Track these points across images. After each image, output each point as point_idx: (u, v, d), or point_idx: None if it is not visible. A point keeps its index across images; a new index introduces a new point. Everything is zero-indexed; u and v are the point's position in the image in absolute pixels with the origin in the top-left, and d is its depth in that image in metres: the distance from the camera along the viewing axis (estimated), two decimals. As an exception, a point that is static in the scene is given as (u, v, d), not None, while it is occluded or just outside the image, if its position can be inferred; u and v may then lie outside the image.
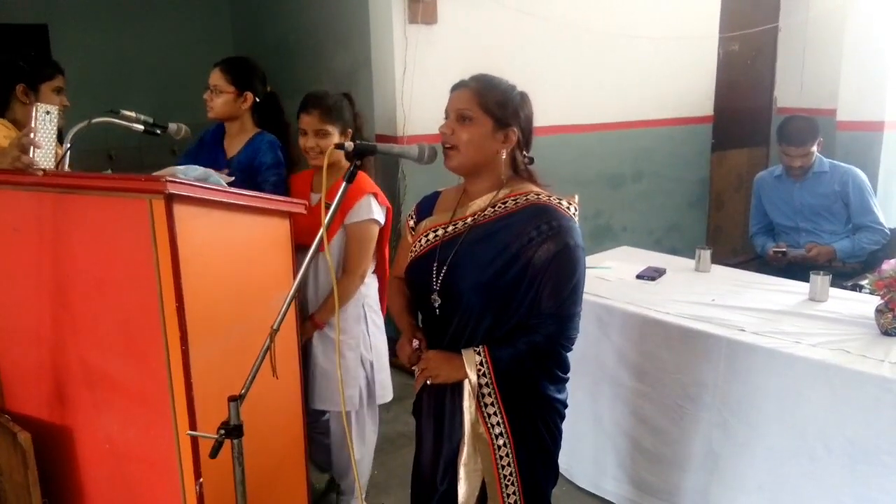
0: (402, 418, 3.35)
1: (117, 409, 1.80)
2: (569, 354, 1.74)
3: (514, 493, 1.69)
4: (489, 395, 1.66)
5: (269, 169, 2.40)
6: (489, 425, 1.67)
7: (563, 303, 1.62)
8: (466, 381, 1.66)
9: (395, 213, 3.95)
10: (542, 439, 1.72)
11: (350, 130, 2.35)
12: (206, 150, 2.53)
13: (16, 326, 1.93)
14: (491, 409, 1.67)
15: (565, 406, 1.77)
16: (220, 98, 2.42)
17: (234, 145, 2.48)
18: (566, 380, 1.77)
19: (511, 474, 1.69)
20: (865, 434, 1.99)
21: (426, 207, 1.84)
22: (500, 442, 1.68)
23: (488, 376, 1.64)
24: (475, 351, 1.64)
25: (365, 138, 2.39)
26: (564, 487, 2.75)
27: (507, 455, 1.68)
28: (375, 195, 2.31)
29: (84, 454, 1.90)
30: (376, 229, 2.33)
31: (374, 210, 2.29)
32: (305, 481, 2.17)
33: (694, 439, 2.41)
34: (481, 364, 1.63)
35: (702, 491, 2.41)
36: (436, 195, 1.87)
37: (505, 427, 1.67)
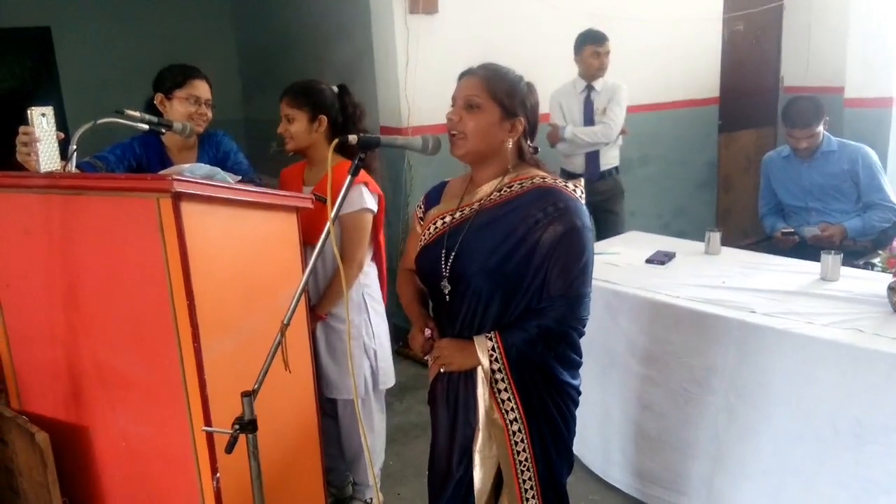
0: (416, 409, 3.37)
1: (132, 407, 1.82)
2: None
3: (529, 478, 1.70)
4: (502, 380, 1.66)
5: (238, 153, 2.38)
6: (503, 411, 1.67)
7: (572, 283, 1.61)
8: (479, 368, 1.66)
9: (402, 204, 3.98)
10: (555, 425, 1.72)
11: (323, 117, 2.31)
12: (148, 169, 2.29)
13: (30, 328, 1.94)
14: (505, 395, 1.67)
15: (579, 392, 1.77)
16: (209, 112, 2.31)
17: (186, 156, 2.34)
18: (580, 364, 1.76)
19: (526, 460, 1.69)
20: (875, 413, 1.98)
21: (434, 197, 1.85)
22: (515, 427, 1.68)
23: (501, 362, 1.64)
24: (487, 337, 1.64)
25: (365, 130, 2.38)
26: (578, 474, 2.76)
27: (521, 441, 1.68)
28: (366, 184, 2.33)
29: (101, 452, 1.91)
30: (370, 217, 2.35)
31: (365, 199, 2.31)
32: (321, 472, 2.19)
33: (699, 425, 2.40)
34: (493, 350, 1.63)
35: (706, 478, 2.40)
36: (443, 185, 1.87)
37: (519, 412, 1.67)
